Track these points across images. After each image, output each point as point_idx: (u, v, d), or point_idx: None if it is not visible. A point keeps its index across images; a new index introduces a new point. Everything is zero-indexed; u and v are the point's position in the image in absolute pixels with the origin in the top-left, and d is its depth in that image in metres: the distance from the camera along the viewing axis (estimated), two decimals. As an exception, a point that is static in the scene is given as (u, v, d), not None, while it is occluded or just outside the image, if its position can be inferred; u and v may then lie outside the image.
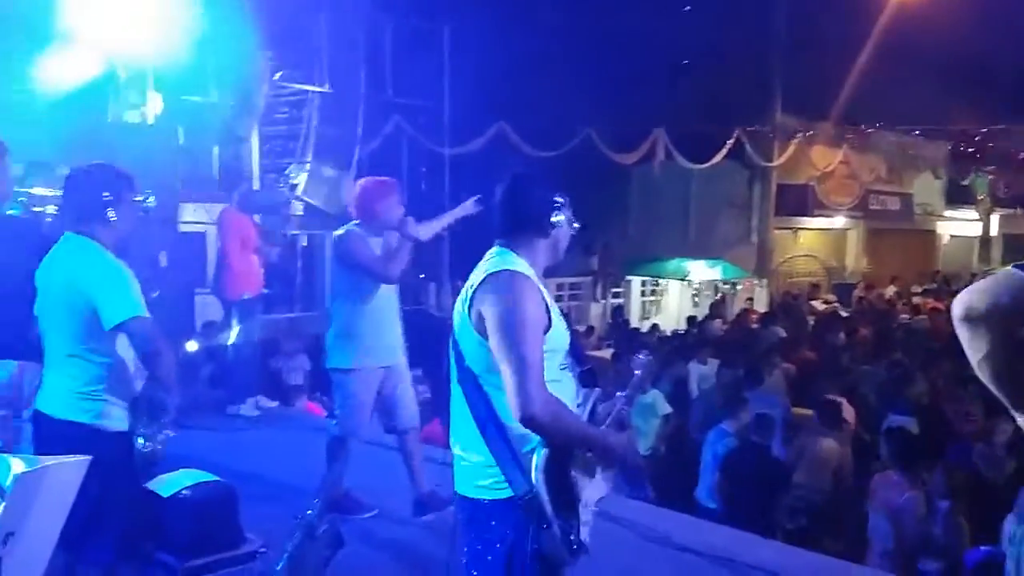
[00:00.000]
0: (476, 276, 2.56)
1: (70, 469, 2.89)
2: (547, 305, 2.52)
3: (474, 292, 2.51)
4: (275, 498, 4.66)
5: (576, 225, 2.76)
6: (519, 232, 2.64)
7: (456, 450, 2.60)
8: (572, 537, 2.44)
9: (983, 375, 2.04)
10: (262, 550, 4.15)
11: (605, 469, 2.56)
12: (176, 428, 4.41)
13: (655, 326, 14.91)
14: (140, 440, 3.53)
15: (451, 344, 2.60)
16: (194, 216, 9.58)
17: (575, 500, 2.46)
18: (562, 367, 2.57)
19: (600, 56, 13.29)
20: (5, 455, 2.74)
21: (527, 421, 2.36)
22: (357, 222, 4.71)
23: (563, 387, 2.54)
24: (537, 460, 2.40)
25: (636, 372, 2.95)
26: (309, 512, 3.71)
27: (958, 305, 2.03)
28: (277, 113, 10.14)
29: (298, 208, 7.71)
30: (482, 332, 2.47)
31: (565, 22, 12.28)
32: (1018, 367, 2.02)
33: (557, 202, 2.65)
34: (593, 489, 2.53)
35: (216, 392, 7.68)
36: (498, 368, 2.42)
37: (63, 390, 3.31)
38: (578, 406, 2.61)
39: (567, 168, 14.69)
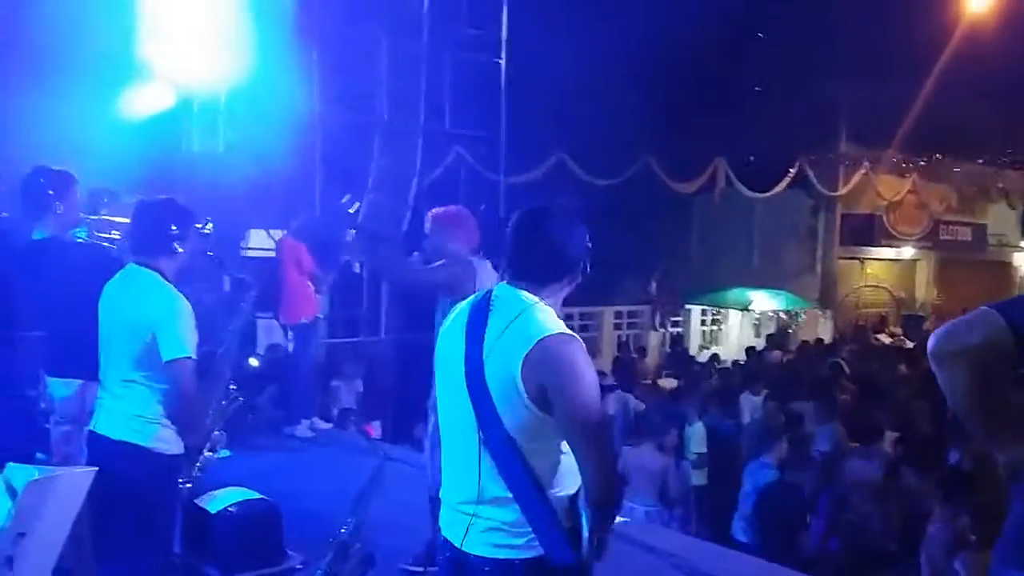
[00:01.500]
0: (514, 334, 2.33)
1: (78, 478, 3.13)
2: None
3: (526, 359, 2.29)
4: (319, 517, 4.80)
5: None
6: (549, 275, 2.44)
7: (465, 508, 2.43)
8: None
9: (958, 411, 2.09)
10: (300, 566, 4.33)
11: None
12: (232, 447, 4.63)
13: (715, 356, 14.81)
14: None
15: (468, 404, 2.38)
16: (260, 242, 9.95)
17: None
18: None
19: (659, 84, 13.35)
20: (26, 465, 2.98)
21: (602, 501, 2.34)
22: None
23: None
24: (585, 531, 2.35)
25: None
26: (343, 531, 3.86)
27: (931, 343, 2.08)
28: (338, 143, 10.45)
29: (352, 235, 7.93)
30: (542, 405, 2.29)
31: (623, 50, 12.37)
32: (991, 405, 2.06)
33: (589, 243, 2.48)
34: None
35: (273, 413, 7.93)
36: (550, 435, 2.33)
37: (120, 413, 3.43)
38: None
39: (626, 197, 14.85)
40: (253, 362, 7.98)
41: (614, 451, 2.41)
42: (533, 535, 2.33)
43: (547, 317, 2.36)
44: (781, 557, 5.18)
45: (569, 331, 2.34)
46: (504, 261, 2.49)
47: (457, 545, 2.44)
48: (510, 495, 2.33)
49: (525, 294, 2.41)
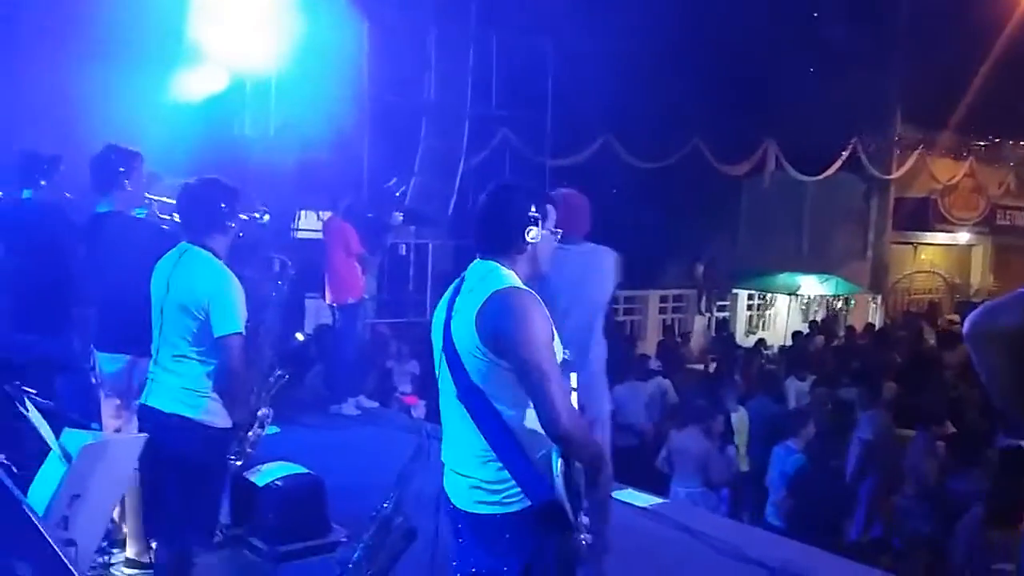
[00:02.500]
0: (473, 294, 2.56)
1: (130, 444, 3.28)
2: (548, 318, 2.55)
3: (479, 312, 2.50)
4: (364, 493, 4.89)
5: (558, 231, 2.70)
6: (498, 246, 2.63)
7: (453, 467, 2.64)
8: (583, 538, 2.52)
9: (993, 393, 2.08)
10: (344, 540, 4.43)
11: (591, 476, 2.61)
12: (280, 424, 4.75)
13: (761, 341, 14.68)
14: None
15: (446, 363, 2.60)
16: (310, 223, 10.10)
17: (580, 505, 2.54)
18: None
19: (709, 65, 13.18)
20: (80, 430, 3.12)
21: (561, 434, 2.43)
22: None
23: None
24: (555, 468, 2.47)
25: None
26: (385, 506, 3.94)
27: (967, 324, 2.07)
28: (386, 125, 10.53)
29: (398, 217, 8.02)
30: (496, 352, 2.48)
31: (670, 31, 12.24)
32: (1022, 387, 2.04)
33: (533, 216, 2.61)
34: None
35: (320, 391, 8.08)
36: (513, 385, 2.48)
37: (172, 387, 3.54)
38: None
39: (673, 179, 14.73)
40: (299, 336, 8.10)
41: (565, 390, 2.48)
42: (507, 492, 2.50)
43: (502, 276, 2.58)
44: (817, 542, 5.17)
45: (520, 287, 2.55)
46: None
47: (452, 502, 2.65)
48: (489, 448, 2.52)
49: (488, 263, 2.63)
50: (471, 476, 2.58)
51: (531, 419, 2.50)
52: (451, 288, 2.71)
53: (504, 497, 2.52)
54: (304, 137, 8.87)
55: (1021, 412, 2.09)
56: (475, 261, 2.68)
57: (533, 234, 2.60)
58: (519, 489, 2.50)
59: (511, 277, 2.59)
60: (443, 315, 2.65)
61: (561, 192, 4.26)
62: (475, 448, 2.56)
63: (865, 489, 7.06)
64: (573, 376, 2.64)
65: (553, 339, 2.54)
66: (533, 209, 2.62)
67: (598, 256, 4.18)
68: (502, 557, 2.52)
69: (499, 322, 2.48)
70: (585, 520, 2.54)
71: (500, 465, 2.51)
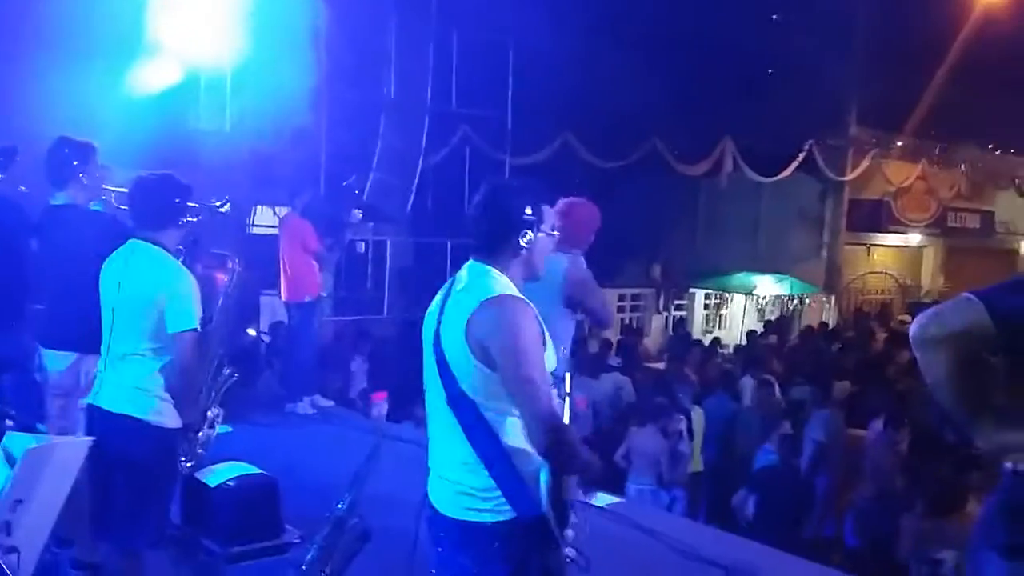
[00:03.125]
0: (463, 300, 2.49)
1: (75, 447, 3.20)
2: (542, 328, 2.50)
3: (470, 319, 2.44)
4: (318, 493, 4.85)
5: (556, 233, 2.62)
6: (491, 248, 2.55)
7: (441, 472, 2.58)
8: (568, 552, 2.48)
9: (938, 397, 2.13)
10: (298, 541, 4.38)
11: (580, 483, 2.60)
12: (233, 423, 4.68)
13: (716, 339, 14.81)
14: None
15: (435, 368, 2.54)
16: (265, 219, 9.99)
17: (567, 518, 2.51)
18: (552, 387, 2.54)
19: (668, 66, 13.26)
20: (24, 433, 3.04)
21: (553, 437, 2.37)
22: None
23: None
24: (543, 482, 2.44)
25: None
26: (340, 506, 3.91)
27: (913, 328, 2.12)
28: (345, 121, 10.45)
29: (357, 215, 7.95)
30: (484, 360, 2.42)
31: (631, 31, 12.31)
32: (970, 390, 2.10)
33: (527, 219, 2.52)
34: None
35: (276, 389, 7.99)
36: (501, 395, 2.42)
37: (121, 386, 3.49)
38: None
39: (632, 179, 14.80)
40: (251, 332, 8.00)
41: (552, 402, 2.42)
42: (500, 500, 2.45)
43: (494, 282, 2.49)
44: (783, 540, 5.24)
45: (516, 294, 2.48)
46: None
47: (437, 508, 2.58)
48: (478, 458, 2.46)
49: (481, 265, 2.55)
50: (460, 482, 2.51)
51: (520, 431, 2.45)
52: (443, 289, 2.64)
53: (496, 505, 2.46)
54: (260, 132, 8.78)
55: (965, 414, 2.14)
56: (468, 262, 2.60)
57: (528, 238, 2.52)
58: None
59: (502, 283, 2.51)
60: (434, 318, 2.58)
61: (568, 202, 4.31)
62: (463, 455, 2.50)
63: (818, 488, 7.16)
64: (567, 378, 2.65)
65: (544, 348, 2.48)
66: (529, 211, 2.53)
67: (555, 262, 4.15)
68: (487, 566, 2.47)
69: (490, 332, 2.41)
70: (571, 534, 2.50)
71: (488, 473, 2.46)
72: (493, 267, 2.54)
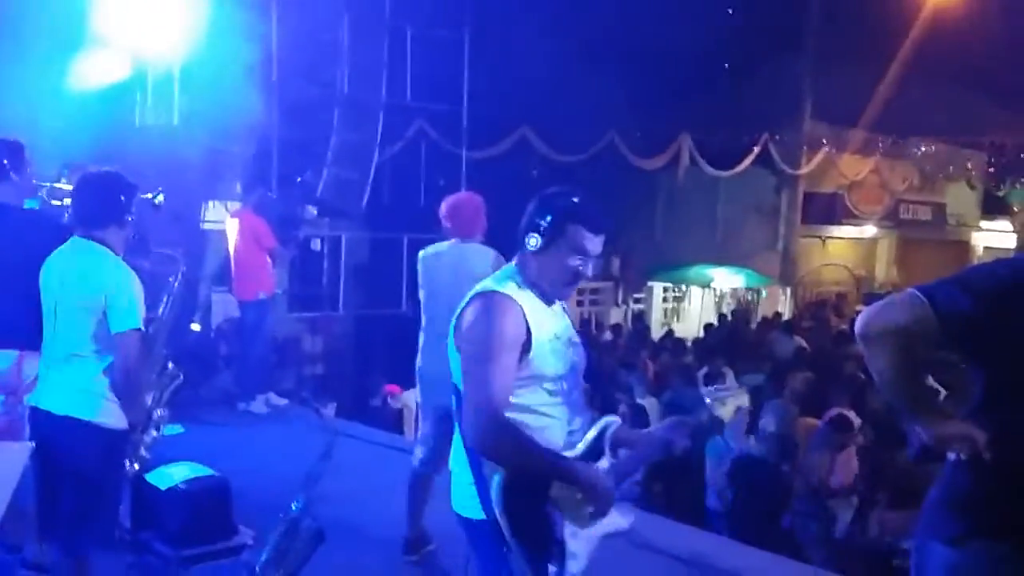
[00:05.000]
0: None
1: (15, 451, 3.09)
2: (528, 327, 2.43)
3: (459, 313, 2.51)
4: (271, 493, 4.77)
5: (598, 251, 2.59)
6: (522, 250, 2.57)
7: (452, 467, 2.61)
8: (550, 566, 2.39)
9: (881, 388, 2.15)
10: (251, 543, 4.30)
11: (589, 502, 2.45)
12: (186, 423, 4.59)
13: (669, 332, 14.90)
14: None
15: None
16: (217, 215, 9.82)
17: (549, 531, 2.40)
18: (552, 393, 2.50)
19: (625, 60, 13.32)
20: None
21: (474, 447, 2.37)
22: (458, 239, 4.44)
23: (549, 416, 2.49)
24: (495, 484, 2.38)
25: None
26: (294, 507, 3.84)
27: (859, 323, 2.14)
28: (297, 116, 10.33)
29: (312, 211, 7.86)
30: (460, 350, 2.47)
31: (587, 26, 12.33)
32: (913, 384, 2.12)
33: (539, 224, 2.51)
34: (609, 521, 2.51)
35: (229, 388, 7.87)
36: None
37: (65, 387, 3.42)
38: (570, 432, 2.54)
39: (590, 173, 14.83)
40: (195, 327, 7.85)
41: (494, 398, 2.36)
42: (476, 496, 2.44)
43: (499, 280, 2.52)
44: (760, 532, 5.26)
45: (495, 289, 2.46)
46: None
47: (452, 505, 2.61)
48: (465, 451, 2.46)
49: (510, 265, 2.61)
50: (459, 477, 2.54)
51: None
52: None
53: (477, 501, 2.45)
54: (210, 127, 8.62)
55: (907, 406, 2.16)
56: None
57: (532, 243, 2.52)
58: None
59: (510, 283, 2.52)
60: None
61: (455, 198, 4.59)
62: (459, 450, 2.52)
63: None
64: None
65: (525, 351, 2.43)
66: (547, 219, 2.53)
67: (474, 254, 4.34)
68: (491, 563, 2.47)
69: (463, 320, 2.48)
70: (575, 548, 2.44)
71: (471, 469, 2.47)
72: (523, 269, 2.59)
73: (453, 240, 4.43)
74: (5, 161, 4.13)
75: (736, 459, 6.57)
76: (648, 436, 2.75)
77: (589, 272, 2.59)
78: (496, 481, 2.38)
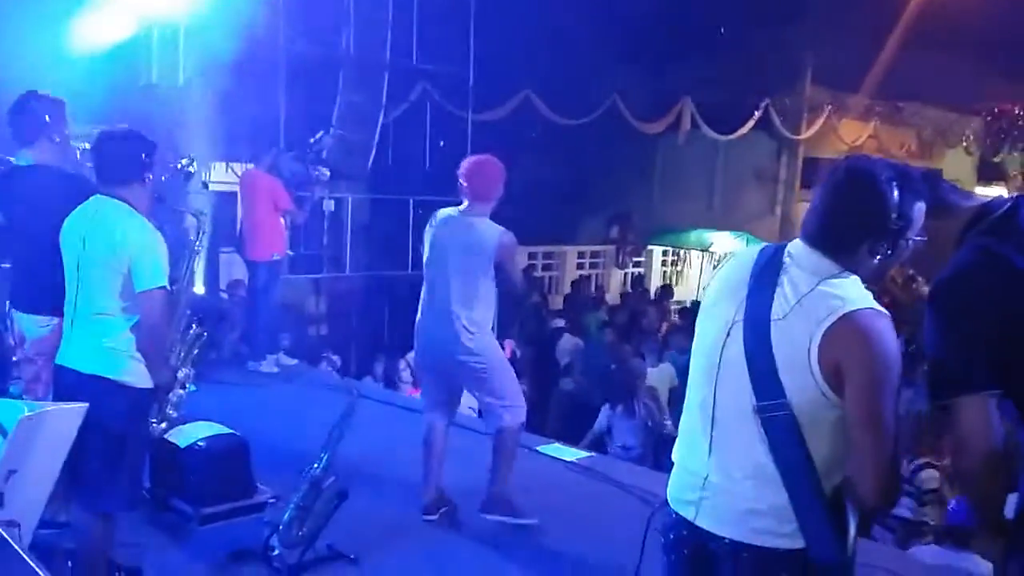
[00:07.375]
0: (816, 301, 2.07)
1: (69, 414, 3.10)
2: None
3: (827, 331, 2.03)
4: (289, 452, 4.85)
5: (922, 237, 2.14)
6: (852, 245, 2.11)
7: (722, 483, 2.17)
8: None
9: (979, 509, 2.23)
10: (272, 500, 4.38)
11: None
12: (198, 382, 4.64)
13: (663, 292, 14.97)
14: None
15: (748, 362, 2.12)
16: (223, 176, 9.80)
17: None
18: None
19: (628, 24, 13.23)
20: (15, 400, 2.95)
21: (876, 507, 2.16)
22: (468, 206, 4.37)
23: None
24: (852, 527, 2.13)
25: None
26: (315, 466, 3.92)
27: (958, 456, 2.15)
28: (303, 77, 10.27)
29: (325, 173, 7.86)
30: (830, 382, 2.04)
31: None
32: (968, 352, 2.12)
33: (906, 211, 2.07)
34: None
35: (239, 348, 7.93)
36: (829, 419, 2.06)
37: (91, 346, 3.41)
38: None
39: (592, 136, 14.82)
40: (199, 289, 7.84)
41: (897, 451, 2.06)
42: (797, 524, 2.09)
43: (852, 288, 2.09)
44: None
45: (879, 307, 2.07)
46: (809, 218, 2.16)
47: (692, 520, 2.20)
48: (779, 475, 2.09)
49: (826, 261, 2.12)
50: (749, 496, 2.12)
51: (836, 463, 2.10)
52: (753, 264, 2.20)
53: (794, 530, 2.11)
54: (216, 87, 8.57)
55: (990, 523, 2.16)
56: (800, 244, 2.16)
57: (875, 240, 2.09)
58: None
59: (859, 288, 2.10)
60: (743, 297, 2.16)
61: (476, 159, 4.44)
62: (763, 468, 2.11)
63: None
64: None
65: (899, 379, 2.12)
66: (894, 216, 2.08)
67: (482, 230, 4.32)
68: None
69: (850, 355, 2.02)
70: None
71: (788, 496, 2.09)
72: (837, 262, 2.12)
73: (465, 205, 4.39)
74: (48, 117, 4.00)
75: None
76: None
77: None
78: (853, 524, 2.14)
